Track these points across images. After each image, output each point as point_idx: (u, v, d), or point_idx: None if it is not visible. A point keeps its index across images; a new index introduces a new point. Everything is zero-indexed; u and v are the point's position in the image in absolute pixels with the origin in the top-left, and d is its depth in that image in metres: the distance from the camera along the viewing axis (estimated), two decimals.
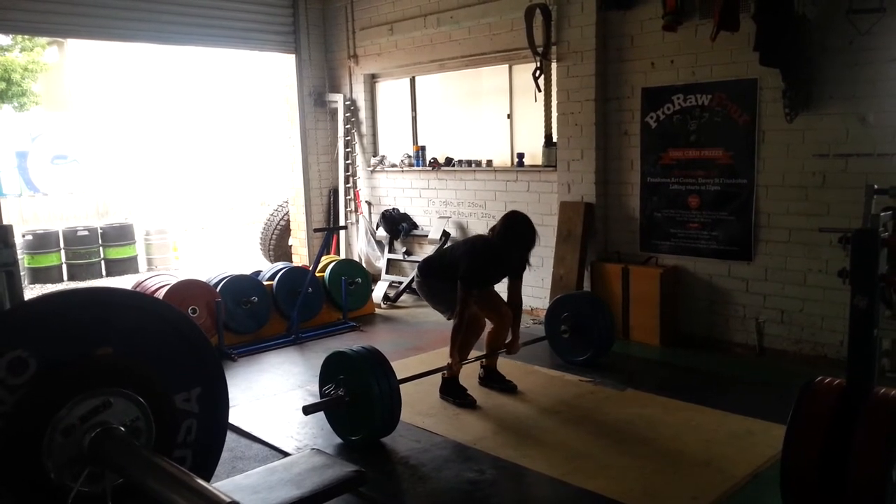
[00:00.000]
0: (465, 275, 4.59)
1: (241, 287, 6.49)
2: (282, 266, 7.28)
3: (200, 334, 1.97)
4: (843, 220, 5.00)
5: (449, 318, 4.80)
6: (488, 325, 5.04)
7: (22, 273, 10.86)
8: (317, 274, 6.85)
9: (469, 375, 5.05)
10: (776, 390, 4.85)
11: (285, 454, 4.08)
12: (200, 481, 1.52)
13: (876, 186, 3.22)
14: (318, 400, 4.28)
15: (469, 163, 7.69)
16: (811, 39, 5.08)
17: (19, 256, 10.84)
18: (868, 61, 4.93)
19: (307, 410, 4.12)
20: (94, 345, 1.76)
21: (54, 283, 11.21)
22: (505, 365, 5.28)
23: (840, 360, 5.15)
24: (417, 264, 5.20)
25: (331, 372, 4.26)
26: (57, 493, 1.67)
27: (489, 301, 4.92)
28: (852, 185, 5.02)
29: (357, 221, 8.89)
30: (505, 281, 4.94)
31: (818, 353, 5.39)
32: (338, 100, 8.87)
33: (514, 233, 4.65)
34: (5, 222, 6.89)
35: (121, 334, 1.81)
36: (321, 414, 4.75)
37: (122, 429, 1.71)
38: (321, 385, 4.31)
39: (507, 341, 4.99)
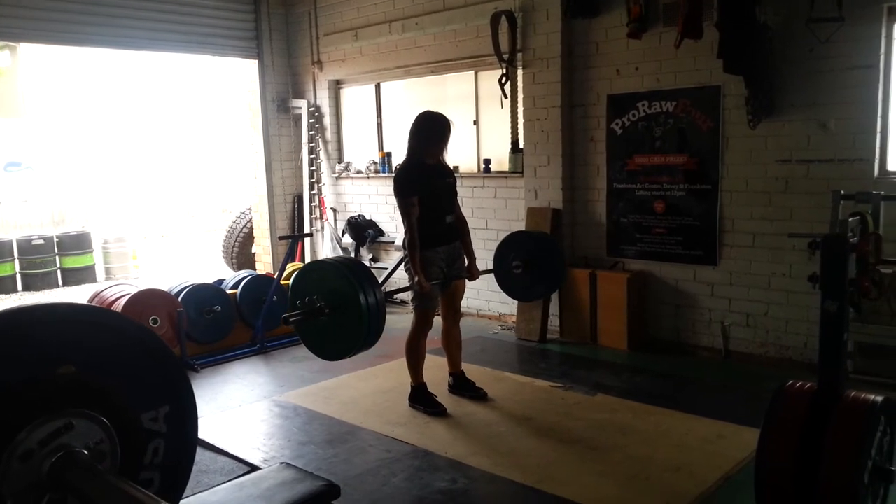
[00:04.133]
0: (401, 189, 4.59)
1: (204, 296, 6.35)
2: (246, 274, 7.15)
3: (167, 350, 1.89)
4: (806, 224, 5.10)
5: (413, 295, 4.70)
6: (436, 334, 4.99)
7: None
8: (282, 282, 6.74)
9: (438, 383, 5.01)
10: (744, 393, 4.91)
11: (252, 467, 3.99)
12: None
13: (843, 192, 3.26)
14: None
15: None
16: (773, 47, 5.16)
17: None
18: (828, 69, 5.03)
19: (286, 320, 3.99)
20: (56, 363, 1.67)
21: (8, 294, 10.90)
22: (474, 371, 5.25)
23: (805, 363, 5.24)
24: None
25: (306, 284, 4.02)
26: None
27: (458, 269, 4.83)
28: (815, 191, 5.11)
29: (322, 228, 8.79)
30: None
31: (783, 355, 5.46)
32: (302, 106, 8.77)
33: (428, 129, 4.63)
34: None
35: (84, 352, 1.72)
36: (288, 425, 4.68)
37: (86, 452, 1.62)
38: (293, 300, 4.05)
39: (465, 266, 4.89)
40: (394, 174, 4.79)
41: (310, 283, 3.98)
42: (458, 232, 4.85)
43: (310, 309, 3.91)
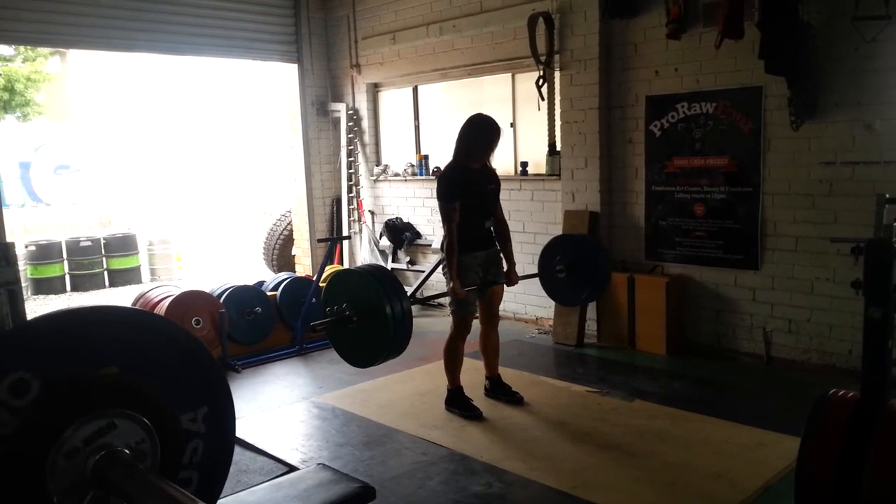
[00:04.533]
0: (444, 193, 4.57)
1: (245, 297, 6.46)
2: (285, 276, 7.25)
3: (206, 352, 1.94)
4: (850, 228, 4.97)
5: (450, 301, 4.69)
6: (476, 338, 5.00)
7: (25, 284, 10.86)
8: (321, 284, 6.81)
9: (475, 387, 5.02)
10: (786, 401, 4.82)
11: (290, 467, 4.04)
12: None
13: (888, 196, 3.18)
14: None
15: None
16: (816, 47, 5.05)
17: (22, 268, 10.84)
18: (874, 69, 4.91)
19: (315, 328, 4.02)
20: (99, 364, 1.72)
21: (57, 294, 11.20)
22: (510, 375, 5.24)
23: (848, 370, 5.12)
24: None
25: (336, 292, 4.04)
26: None
27: (495, 274, 4.83)
28: (859, 193, 4.99)
29: (360, 231, 8.86)
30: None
31: (826, 362, 5.34)
32: (340, 109, 8.86)
33: (476, 134, 4.61)
34: (8, 233, 6.86)
35: (126, 353, 1.78)
36: (326, 426, 4.73)
37: (127, 451, 1.67)
38: (325, 306, 4.08)
39: (504, 270, 4.89)
40: (437, 176, 4.78)
41: (339, 292, 4.01)
42: (500, 237, 4.86)
43: (338, 317, 3.93)
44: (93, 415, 1.66)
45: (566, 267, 5.36)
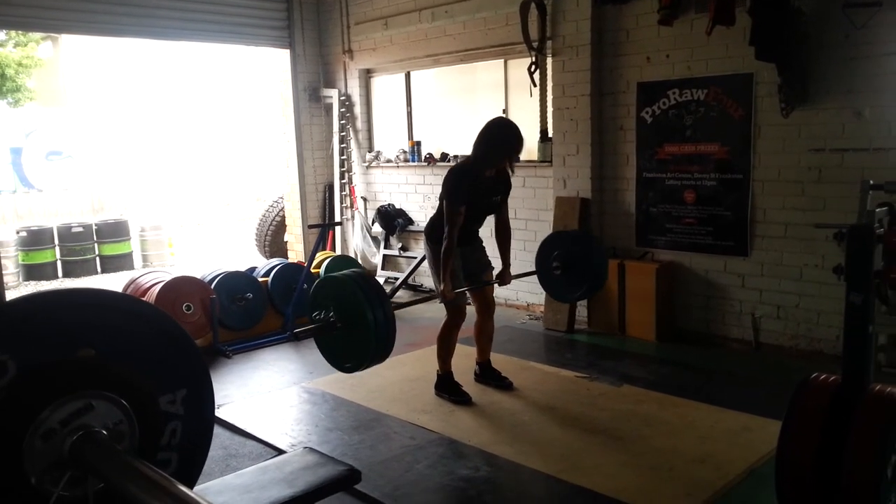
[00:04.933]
0: (450, 194, 4.46)
1: (236, 283, 6.46)
2: (277, 262, 7.25)
3: (185, 335, 1.94)
4: (839, 215, 4.98)
5: (440, 299, 4.65)
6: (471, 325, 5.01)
7: (16, 270, 10.85)
8: (312, 270, 6.81)
9: (465, 372, 5.03)
10: (773, 386, 4.84)
11: (280, 451, 4.06)
12: (182, 487, 1.50)
13: (871, 182, 3.19)
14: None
15: (465, 158, 7.64)
16: (807, 34, 5.04)
17: (13, 253, 10.82)
18: (864, 56, 4.90)
19: (298, 336, 3.94)
20: (76, 346, 1.72)
21: (49, 280, 11.18)
22: (500, 361, 5.26)
23: (837, 356, 5.13)
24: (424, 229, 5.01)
25: (321, 298, 3.99)
26: (37, 497, 1.64)
27: (477, 263, 4.82)
28: (849, 180, 4.99)
29: (353, 217, 8.85)
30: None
31: (814, 348, 5.37)
32: (332, 95, 8.83)
33: (498, 139, 4.48)
34: None
35: (104, 336, 1.78)
36: (316, 411, 4.74)
37: (105, 432, 1.68)
38: (310, 312, 4.02)
39: (498, 272, 4.88)
40: (448, 171, 4.64)
41: (324, 298, 3.99)
42: (501, 237, 4.84)
43: (321, 324, 3.91)
44: (70, 396, 1.66)
45: (562, 265, 5.35)
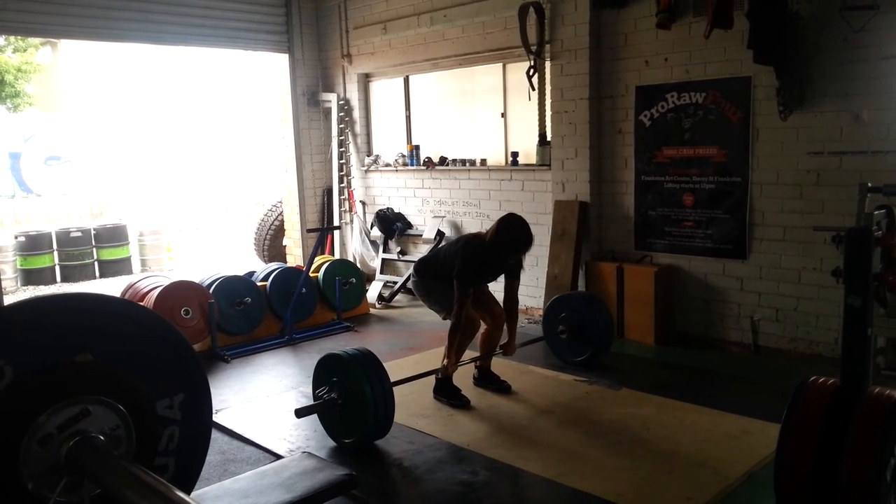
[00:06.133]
0: (461, 274, 4.57)
1: (235, 288, 6.45)
2: (276, 266, 7.24)
3: (183, 340, 1.93)
4: (837, 218, 4.98)
5: (445, 318, 4.76)
6: (482, 327, 5.00)
7: (15, 275, 10.83)
8: (311, 274, 6.81)
9: (463, 376, 5.02)
10: (771, 389, 4.83)
11: (278, 457, 4.04)
12: (179, 492, 1.49)
13: (869, 184, 3.19)
14: (311, 402, 4.25)
15: (463, 162, 7.66)
16: (805, 37, 5.05)
17: (11, 258, 10.80)
18: (862, 59, 4.91)
19: (299, 413, 4.09)
20: (74, 352, 1.72)
21: (47, 285, 11.16)
22: (499, 365, 5.25)
23: (835, 359, 5.12)
24: (413, 264, 5.14)
25: (324, 374, 4.22)
26: (34, 502, 1.64)
27: (482, 300, 4.90)
28: (847, 183, 5.00)
29: (351, 221, 8.85)
30: (501, 280, 4.88)
31: (813, 351, 5.37)
32: (331, 99, 8.83)
33: (508, 237, 4.58)
34: None
35: (101, 341, 1.78)
36: (315, 416, 4.72)
37: (102, 438, 1.67)
38: (314, 388, 4.26)
39: (503, 342, 4.94)
40: (462, 245, 4.72)
41: (326, 375, 4.18)
42: (508, 313, 4.89)
43: (323, 403, 4.10)
44: (67, 401, 1.66)
45: (568, 328, 5.40)
